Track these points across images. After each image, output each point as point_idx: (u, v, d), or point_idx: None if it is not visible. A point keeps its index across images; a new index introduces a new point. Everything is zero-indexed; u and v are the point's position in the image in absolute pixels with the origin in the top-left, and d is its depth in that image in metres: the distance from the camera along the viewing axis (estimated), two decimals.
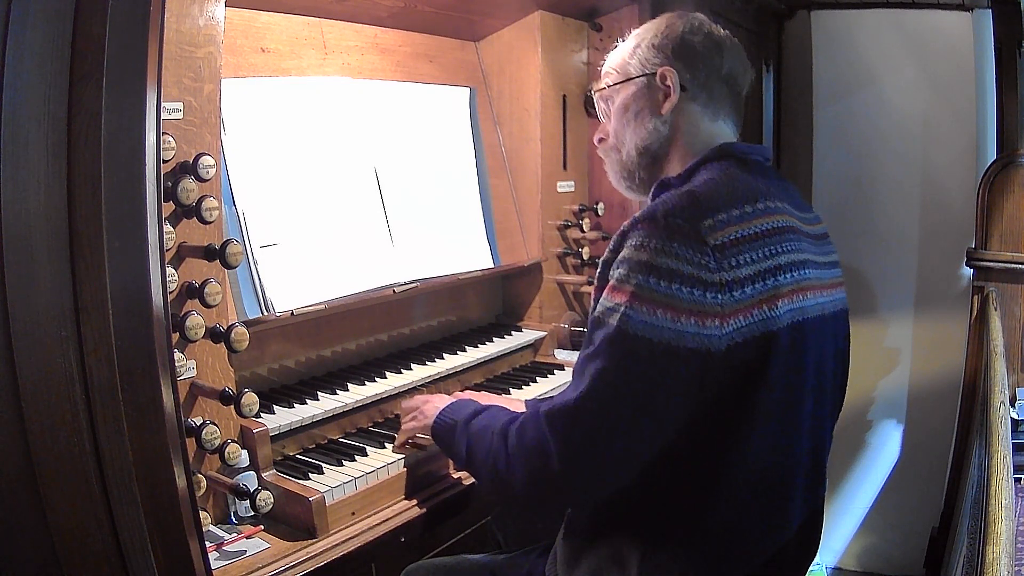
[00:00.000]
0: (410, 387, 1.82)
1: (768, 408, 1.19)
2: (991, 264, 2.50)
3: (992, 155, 2.73)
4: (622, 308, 1.15)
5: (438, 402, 1.54)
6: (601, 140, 1.50)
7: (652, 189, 1.38)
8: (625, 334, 1.14)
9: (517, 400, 1.76)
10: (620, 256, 1.19)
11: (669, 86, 1.37)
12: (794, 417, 1.24)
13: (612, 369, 1.15)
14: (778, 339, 1.17)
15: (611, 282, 1.19)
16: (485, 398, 1.74)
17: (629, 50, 1.45)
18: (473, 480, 1.59)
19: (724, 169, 1.30)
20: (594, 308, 1.24)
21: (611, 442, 1.16)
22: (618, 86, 1.44)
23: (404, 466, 1.55)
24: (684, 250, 1.13)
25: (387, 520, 1.46)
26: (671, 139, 1.39)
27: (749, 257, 1.16)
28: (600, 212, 2.41)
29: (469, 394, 1.77)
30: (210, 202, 1.31)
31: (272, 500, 1.36)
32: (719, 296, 1.12)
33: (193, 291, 1.32)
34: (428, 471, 1.58)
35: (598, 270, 1.26)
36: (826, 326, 1.29)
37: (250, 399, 1.34)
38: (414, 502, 1.52)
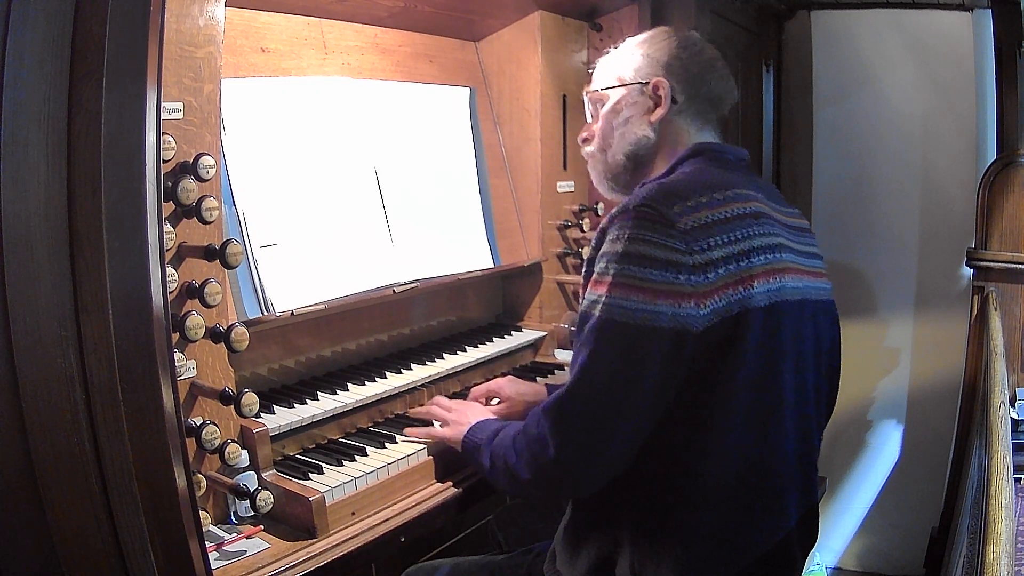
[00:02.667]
0: (410, 387, 1.82)
1: (746, 389, 1.22)
2: (991, 264, 2.50)
3: (992, 155, 2.73)
4: (603, 298, 1.21)
5: (470, 415, 1.58)
6: (585, 140, 1.56)
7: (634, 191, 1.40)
8: (606, 322, 1.20)
9: (541, 385, 1.80)
10: (600, 251, 1.26)
11: (661, 96, 1.43)
12: (774, 405, 1.27)
13: (596, 356, 1.21)
14: (753, 317, 1.21)
15: (594, 276, 1.25)
16: (509, 382, 1.80)
17: (624, 57, 1.50)
18: (473, 481, 1.59)
19: (697, 164, 1.38)
20: (582, 303, 1.29)
21: (601, 424, 1.21)
22: (610, 90, 1.50)
23: (405, 466, 1.55)
24: (655, 235, 1.19)
25: (387, 520, 1.46)
26: (657, 147, 1.46)
27: (720, 240, 1.21)
28: (600, 212, 2.40)
29: (492, 382, 1.82)
30: (210, 202, 1.30)
31: (272, 500, 1.36)
32: (692, 278, 1.17)
33: (193, 291, 1.32)
34: (428, 472, 1.58)
35: (584, 268, 1.32)
36: (805, 310, 1.32)
37: (250, 399, 1.34)
38: (414, 502, 1.52)
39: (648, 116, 1.44)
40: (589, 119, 1.57)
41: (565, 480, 1.28)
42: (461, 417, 1.59)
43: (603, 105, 1.51)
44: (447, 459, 1.60)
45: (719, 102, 1.47)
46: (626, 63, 1.49)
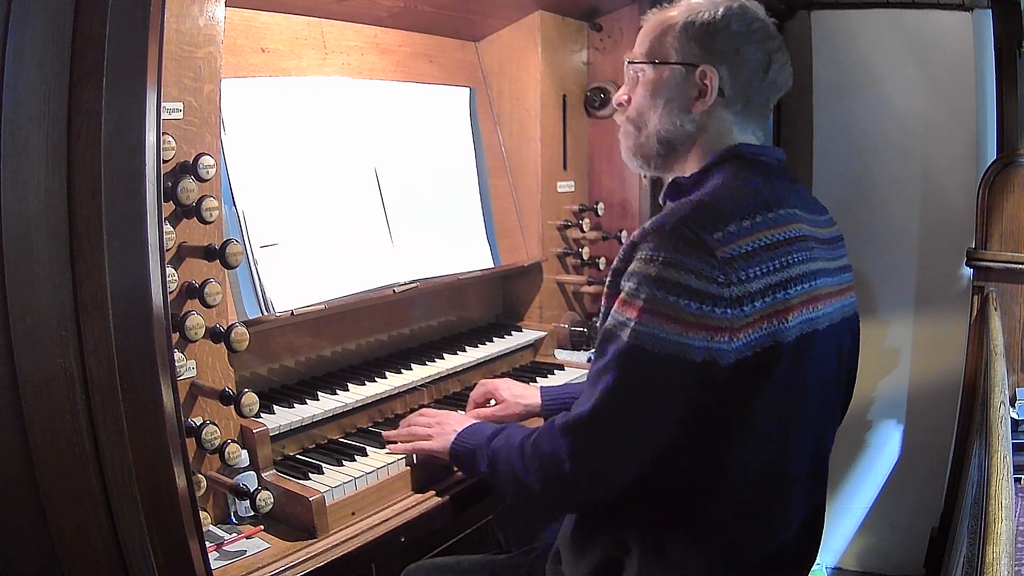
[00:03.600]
0: (410, 387, 1.82)
1: (769, 410, 1.19)
2: (991, 264, 2.50)
3: (992, 155, 2.73)
4: (632, 323, 1.15)
5: (454, 423, 1.54)
6: (620, 105, 1.43)
7: (664, 189, 1.37)
8: (635, 348, 1.15)
9: (536, 388, 1.77)
10: (631, 268, 1.19)
11: (707, 86, 1.30)
12: (795, 418, 1.24)
13: (621, 382, 1.17)
14: (786, 350, 1.16)
15: (622, 295, 1.19)
16: (506, 384, 1.76)
17: (676, 28, 1.32)
18: (473, 481, 1.59)
19: (736, 173, 1.28)
20: (604, 317, 1.24)
21: (619, 447, 1.19)
22: (652, 66, 1.35)
23: (404, 466, 1.55)
24: (693, 263, 1.12)
25: (387, 520, 1.46)
26: (694, 138, 1.34)
27: (759, 270, 1.15)
28: (600, 212, 2.41)
29: (490, 383, 1.78)
30: (210, 202, 1.31)
31: (272, 500, 1.36)
32: (728, 311, 1.12)
33: (193, 291, 1.32)
34: (428, 472, 1.58)
35: (608, 278, 1.26)
36: (833, 334, 1.28)
37: (250, 399, 1.34)
38: (414, 502, 1.52)
39: (690, 106, 1.31)
40: (627, 83, 1.41)
41: (577, 495, 1.28)
42: (444, 427, 1.54)
43: (644, 74, 1.36)
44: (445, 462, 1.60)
45: (773, 93, 1.36)
46: (676, 38, 1.31)
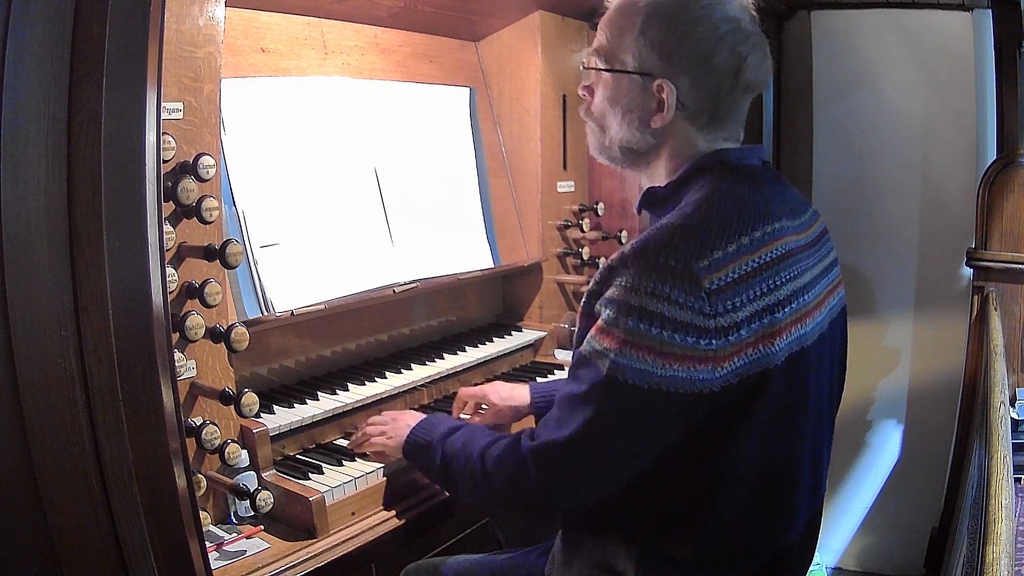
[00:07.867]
0: (410, 387, 1.82)
1: (763, 429, 1.17)
2: (991, 264, 2.50)
3: (992, 155, 2.73)
4: (611, 355, 1.10)
5: (408, 419, 1.50)
6: (584, 97, 1.35)
7: (640, 197, 1.33)
8: (615, 380, 1.10)
9: (524, 387, 1.74)
10: (610, 294, 1.13)
11: (665, 100, 1.22)
12: (792, 431, 1.22)
13: (602, 416, 1.13)
14: (775, 374, 1.13)
15: (600, 323, 1.14)
16: (493, 388, 1.73)
17: (636, 28, 1.23)
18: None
19: (719, 185, 1.20)
20: (579, 338, 1.20)
21: (593, 473, 1.18)
22: (607, 72, 1.28)
23: (404, 465, 1.55)
24: (678, 295, 1.07)
25: (387, 520, 1.46)
26: (659, 148, 1.29)
27: (747, 297, 1.11)
28: (600, 212, 2.41)
29: (477, 391, 1.76)
30: (210, 202, 1.31)
31: (272, 500, 1.36)
32: (713, 341, 1.08)
33: (193, 291, 1.32)
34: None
35: (583, 299, 1.22)
36: (825, 342, 1.26)
37: (250, 399, 1.34)
38: (414, 502, 1.52)
39: (649, 118, 1.24)
40: (585, 80, 1.33)
41: (544, 505, 1.28)
42: (398, 425, 1.51)
43: (601, 77, 1.29)
44: None
45: (748, 94, 1.26)
46: (634, 41, 1.23)
